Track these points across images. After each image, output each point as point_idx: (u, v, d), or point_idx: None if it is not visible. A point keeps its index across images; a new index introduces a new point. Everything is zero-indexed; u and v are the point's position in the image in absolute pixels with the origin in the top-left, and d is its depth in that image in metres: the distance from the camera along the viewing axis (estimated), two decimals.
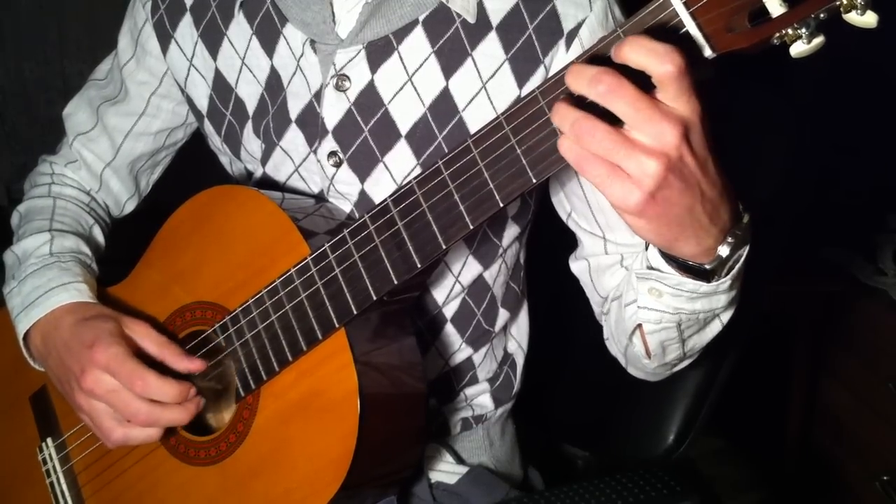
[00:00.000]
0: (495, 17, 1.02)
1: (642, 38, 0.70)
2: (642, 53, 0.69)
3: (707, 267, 0.83)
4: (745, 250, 0.84)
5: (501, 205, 0.82)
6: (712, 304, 0.89)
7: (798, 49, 0.71)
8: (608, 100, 0.70)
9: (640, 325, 0.97)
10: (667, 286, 0.88)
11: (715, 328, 0.96)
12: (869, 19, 0.68)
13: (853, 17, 0.68)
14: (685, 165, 0.72)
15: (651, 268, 0.88)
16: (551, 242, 1.33)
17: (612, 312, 1.06)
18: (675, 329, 0.94)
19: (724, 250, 0.81)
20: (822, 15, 0.69)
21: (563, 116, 0.73)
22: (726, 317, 0.95)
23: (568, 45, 1.01)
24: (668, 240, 0.79)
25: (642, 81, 0.70)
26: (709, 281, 0.85)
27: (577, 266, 1.13)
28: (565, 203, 1.11)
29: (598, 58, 0.75)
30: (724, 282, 0.85)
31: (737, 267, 0.85)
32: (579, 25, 1.00)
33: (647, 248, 0.90)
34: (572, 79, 0.72)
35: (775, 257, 1.30)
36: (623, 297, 0.99)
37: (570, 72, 0.72)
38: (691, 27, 0.71)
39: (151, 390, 1.01)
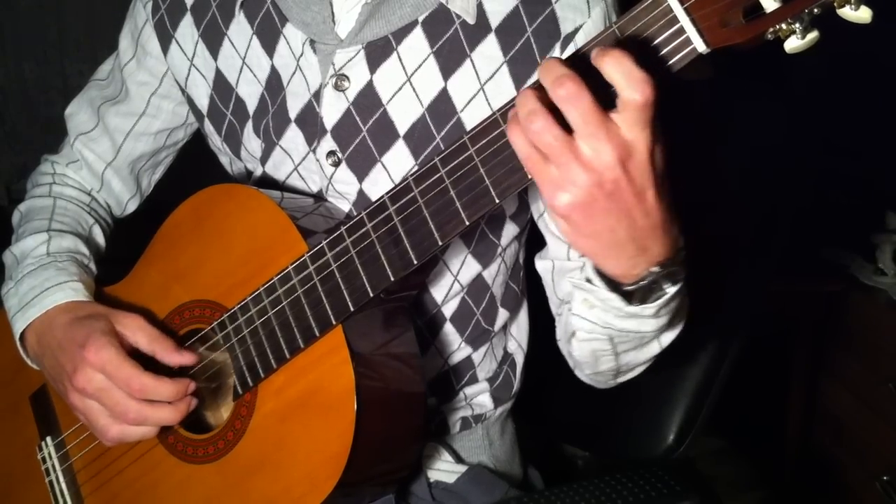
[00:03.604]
0: (495, 19, 1.02)
1: (626, 58, 0.71)
2: (619, 72, 0.71)
3: (626, 289, 0.85)
4: (675, 288, 0.86)
5: (497, 201, 0.82)
6: (640, 326, 0.90)
7: (792, 44, 0.71)
8: (564, 104, 0.72)
9: (576, 331, 0.99)
10: (597, 299, 0.89)
11: (653, 349, 0.98)
12: (863, 14, 0.68)
13: (847, 13, 0.68)
14: (617, 188, 0.74)
15: (587, 279, 0.89)
16: None
17: (563, 315, 1.07)
18: (607, 342, 0.96)
19: (645, 277, 0.83)
20: (815, 10, 0.69)
21: (523, 104, 0.74)
22: (666, 340, 0.97)
23: (563, 48, 1.01)
24: (590, 252, 0.81)
25: (607, 94, 0.72)
26: (630, 304, 0.86)
27: (541, 265, 1.13)
28: (541, 206, 1.12)
29: (584, 56, 0.76)
30: (648, 308, 0.87)
31: (663, 298, 0.86)
32: (576, 30, 1.01)
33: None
34: (543, 72, 0.74)
35: (775, 257, 1.30)
36: (570, 302, 1.00)
37: (543, 65, 0.74)
38: (686, 22, 0.72)
39: (147, 391, 1.01)
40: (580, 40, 1.01)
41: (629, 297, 0.86)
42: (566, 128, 0.73)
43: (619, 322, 0.90)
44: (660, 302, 0.86)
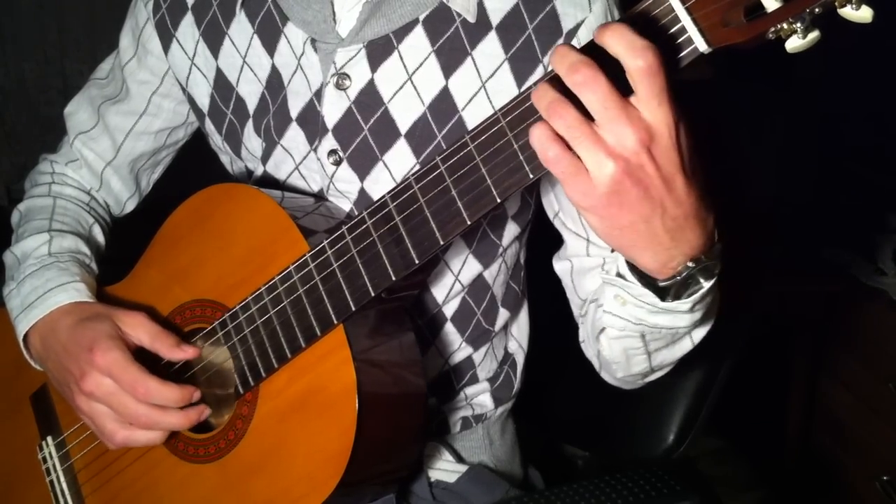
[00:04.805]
0: (495, 17, 1.02)
1: (624, 28, 0.70)
2: (621, 43, 0.70)
3: (661, 284, 0.83)
4: (711, 283, 0.84)
5: (499, 200, 0.82)
6: (675, 322, 0.89)
7: (793, 44, 0.71)
8: (581, 90, 0.71)
9: (606, 328, 0.97)
10: (630, 295, 0.88)
11: (685, 346, 0.96)
12: (864, 14, 0.68)
13: (848, 12, 0.68)
14: (645, 175, 0.73)
15: (619, 274, 0.88)
16: (552, 242, 1.33)
17: (589, 315, 1.06)
18: (638, 339, 0.94)
19: (680, 272, 0.81)
20: (816, 10, 0.69)
21: (541, 96, 0.73)
22: (698, 336, 0.95)
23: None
24: (622, 245, 0.79)
25: (624, 83, 0.71)
26: (663, 299, 0.85)
27: (559, 266, 1.13)
28: (554, 203, 1.11)
29: (593, 45, 0.75)
30: (684, 303, 0.85)
31: (699, 293, 0.84)
32: (578, 26, 1.01)
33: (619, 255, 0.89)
34: (556, 59, 0.72)
35: (774, 257, 1.30)
36: (599, 300, 0.99)
37: (556, 52, 0.73)
38: (687, 22, 0.72)
39: (153, 395, 1.01)
40: (583, 35, 1.01)
41: (664, 292, 0.84)
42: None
43: (652, 318, 0.89)
44: (695, 297, 0.84)
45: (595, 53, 0.71)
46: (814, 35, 0.70)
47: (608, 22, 0.72)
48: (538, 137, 0.74)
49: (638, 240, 0.77)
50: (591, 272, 1.08)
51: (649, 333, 0.93)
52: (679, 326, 0.90)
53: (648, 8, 0.73)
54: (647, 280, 0.85)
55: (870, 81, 2.33)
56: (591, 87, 0.70)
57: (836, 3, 0.68)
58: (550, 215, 1.13)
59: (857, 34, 0.75)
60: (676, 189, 0.74)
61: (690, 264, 0.80)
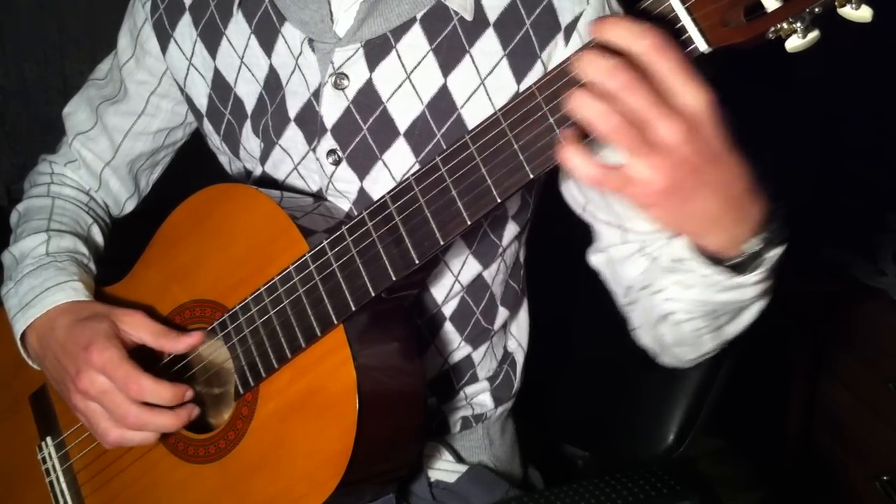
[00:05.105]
0: (492, 14, 1.02)
1: (619, 18, 0.70)
2: (622, 32, 0.70)
3: (731, 262, 0.83)
4: (781, 249, 0.84)
5: (499, 200, 0.82)
6: (742, 295, 0.88)
7: (793, 43, 0.71)
8: (624, 94, 0.70)
9: (670, 314, 0.96)
10: (696, 278, 0.87)
11: (749, 316, 0.95)
12: (864, 13, 0.68)
13: (848, 12, 0.69)
14: (698, 161, 0.72)
15: (677, 259, 0.88)
16: (552, 241, 1.33)
17: (641, 302, 1.03)
18: (706, 319, 0.93)
19: (751, 246, 0.81)
20: (816, 9, 0.69)
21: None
22: (761, 306, 0.94)
23: (567, 39, 1.01)
24: (691, 232, 0.80)
25: None
26: (736, 275, 0.84)
27: (596, 259, 1.11)
28: (579, 196, 1.10)
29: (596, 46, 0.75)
30: (753, 276, 0.84)
31: (769, 263, 0.84)
32: (576, 19, 1.01)
33: (672, 240, 0.89)
34: (589, 67, 0.71)
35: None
36: (651, 286, 0.98)
37: (583, 60, 0.72)
38: (686, 21, 0.72)
39: (145, 393, 1.01)
40: (582, 29, 1.00)
41: (733, 268, 0.84)
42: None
43: (719, 296, 0.88)
44: (764, 267, 0.84)
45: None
46: (813, 35, 0.70)
47: (601, 17, 0.72)
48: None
49: (704, 224, 0.78)
50: (630, 258, 1.06)
51: (716, 312, 0.92)
52: (746, 299, 0.89)
53: (648, 8, 0.73)
54: (713, 260, 0.84)
55: (870, 81, 2.33)
56: (632, 92, 0.70)
57: (836, 3, 0.68)
58: (578, 210, 1.12)
59: (857, 34, 0.75)
60: (727, 168, 0.75)
61: (759, 236, 0.80)
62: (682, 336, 0.98)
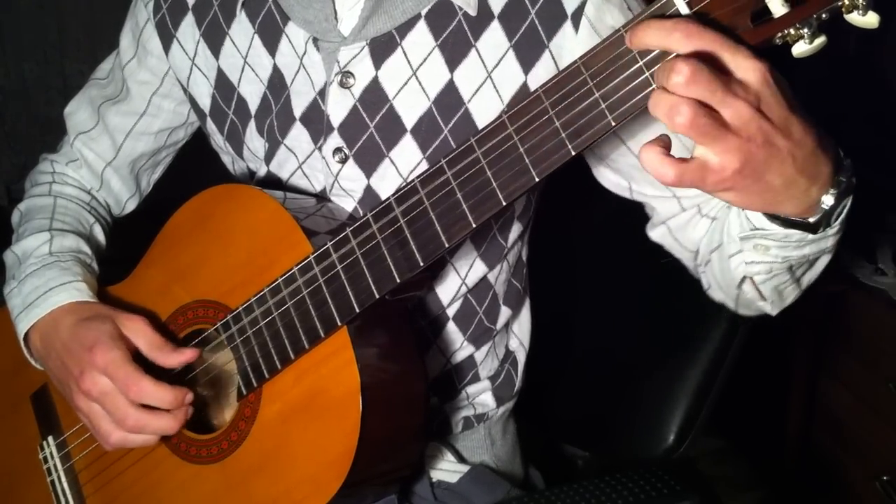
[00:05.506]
0: (496, 6, 1.02)
1: (648, 21, 0.71)
2: (656, 32, 0.70)
3: (812, 221, 0.83)
4: (850, 199, 0.83)
5: (504, 203, 0.82)
6: (821, 246, 0.88)
7: (800, 49, 0.71)
8: (690, 89, 0.69)
9: (751, 276, 0.96)
10: (773, 241, 0.88)
11: (825, 260, 0.95)
12: (870, 19, 0.68)
13: (854, 18, 0.69)
14: (766, 135, 0.72)
15: (754, 228, 0.88)
16: (553, 239, 1.33)
17: (714, 263, 1.03)
18: (787, 273, 0.94)
19: (828, 201, 0.81)
20: (823, 15, 0.69)
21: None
22: (835, 249, 0.94)
23: (575, 25, 1.00)
24: (765, 205, 0.79)
25: None
26: (815, 232, 0.84)
27: (656, 233, 1.11)
28: (621, 180, 1.09)
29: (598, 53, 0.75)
30: (833, 228, 0.84)
31: (845, 213, 0.84)
32: (583, 5, 1.00)
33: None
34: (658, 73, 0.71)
35: None
36: (724, 248, 0.98)
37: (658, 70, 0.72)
38: None
39: (145, 395, 1.01)
40: (590, 13, 1.00)
41: (811, 227, 0.84)
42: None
43: (799, 251, 0.88)
44: (842, 217, 0.84)
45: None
46: (820, 40, 0.70)
47: (630, 25, 0.71)
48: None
49: (778, 195, 0.77)
50: (691, 222, 1.06)
51: (796, 264, 0.92)
52: (825, 248, 0.89)
53: (655, 12, 0.73)
54: (790, 221, 0.84)
55: (870, 81, 2.33)
56: (697, 81, 0.69)
57: (843, 9, 0.68)
58: (624, 194, 1.11)
59: (858, 34, 0.75)
60: (795, 132, 0.74)
61: (833, 190, 0.80)
62: (767, 291, 0.98)
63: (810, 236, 0.85)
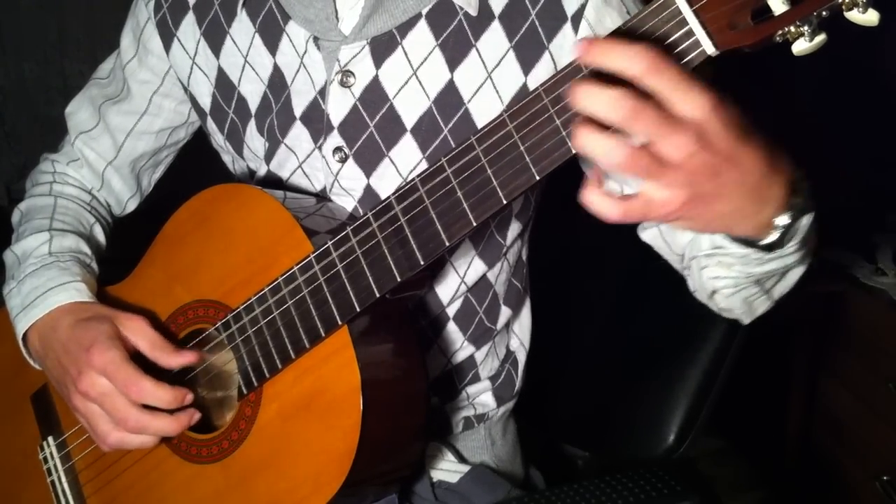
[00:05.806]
0: (497, 7, 1.02)
1: (607, 41, 0.69)
2: (613, 56, 0.68)
3: (767, 241, 0.83)
4: (810, 217, 0.84)
5: (505, 202, 0.82)
6: (785, 262, 0.88)
7: (800, 47, 0.71)
8: (631, 123, 0.69)
9: (719, 290, 0.98)
10: (734, 258, 0.89)
11: (798, 272, 0.96)
12: (870, 17, 0.68)
13: (854, 16, 0.69)
14: (711, 166, 0.71)
15: (716, 245, 0.89)
16: (553, 239, 1.33)
17: (693, 270, 1.04)
18: (754, 286, 0.95)
19: (782, 221, 0.81)
20: (824, 13, 0.69)
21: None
22: (807, 263, 0.95)
23: (575, 27, 1.01)
24: (718, 229, 0.81)
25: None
26: (772, 251, 0.85)
27: (647, 234, 1.11)
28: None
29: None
30: (790, 247, 0.85)
31: (802, 232, 0.84)
32: (583, 7, 1.00)
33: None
34: (586, 100, 0.69)
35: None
36: (698, 259, 0.98)
37: (580, 93, 0.70)
38: (694, 24, 0.72)
39: (145, 395, 1.01)
40: (590, 16, 1.00)
41: (769, 246, 0.84)
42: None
43: (761, 268, 0.89)
44: (798, 236, 0.85)
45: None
46: (820, 38, 0.70)
47: (587, 40, 0.70)
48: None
49: (729, 220, 0.78)
50: (678, 246, 1.07)
51: (762, 279, 0.93)
52: (789, 263, 0.89)
53: (656, 10, 0.73)
54: (748, 242, 0.85)
55: (870, 81, 2.33)
56: (639, 116, 0.68)
57: (843, 7, 0.68)
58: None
59: (858, 34, 0.75)
60: (744, 161, 0.74)
61: (787, 212, 0.80)
62: (734, 305, 0.99)
63: (768, 255, 0.86)
